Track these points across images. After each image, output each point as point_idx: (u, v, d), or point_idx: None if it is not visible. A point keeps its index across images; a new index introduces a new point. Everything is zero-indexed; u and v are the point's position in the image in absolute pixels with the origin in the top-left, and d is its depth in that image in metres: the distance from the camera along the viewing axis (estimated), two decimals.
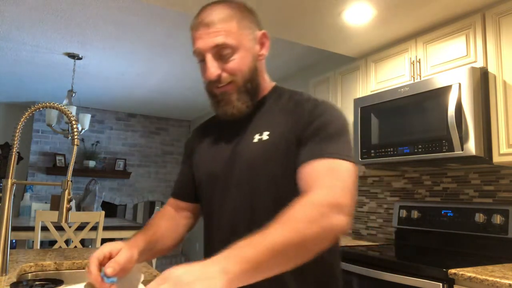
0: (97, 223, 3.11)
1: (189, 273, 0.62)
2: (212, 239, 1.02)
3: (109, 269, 0.78)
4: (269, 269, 0.70)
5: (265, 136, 0.95)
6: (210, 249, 1.02)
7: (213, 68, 0.93)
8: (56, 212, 2.86)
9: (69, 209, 1.11)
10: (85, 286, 0.80)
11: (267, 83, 1.07)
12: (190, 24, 0.98)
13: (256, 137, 0.96)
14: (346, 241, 2.72)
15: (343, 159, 0.85)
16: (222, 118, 0.99)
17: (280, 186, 0.93)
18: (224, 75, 0.94)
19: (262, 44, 1.01)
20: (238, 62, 0.94)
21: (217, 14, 0.93)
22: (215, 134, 1.07)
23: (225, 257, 0.65)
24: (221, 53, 0.93)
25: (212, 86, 0.96)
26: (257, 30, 1.00)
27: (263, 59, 1.03)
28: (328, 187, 0.80)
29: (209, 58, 0.93)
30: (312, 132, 0.90)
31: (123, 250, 0.84)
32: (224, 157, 1.00)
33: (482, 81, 1.98)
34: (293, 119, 0.95)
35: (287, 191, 0.91)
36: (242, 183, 0.95)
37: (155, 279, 0.63)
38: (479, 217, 2.10)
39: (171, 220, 1.08)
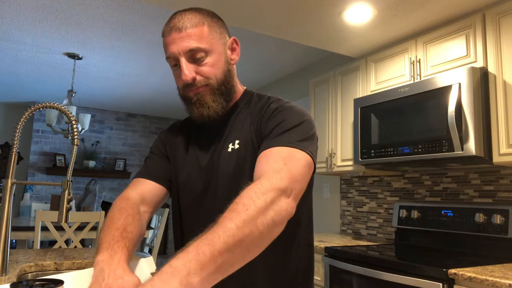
0: (97, 223, 3.11)
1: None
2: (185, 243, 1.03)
3: None
4: (231, 265, 0.69)
5: (236, 145, 0.98)
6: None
7: (188, 71, 0.94)
8: (56, 212, 2.87)
9: (69, 209, 1.10)
10: None
11: (239, 87, 1.08)
12: (162, 30, 0.99)
13: (230, 147, 0.98)
14: (346, 241, 2.73)
15: (294, 147, 0.87)
16: (199, 121, 1.00)
17: None
18: (199, 78, 0.95)
19: (233, 50, 1.03)
20: (212, 65, 0.96)
21: (188, 19, 0.94)
22: (192, 138, 1.08)
23: (183, 265, 0.64)
24: (195, 56, 0.94)
25: (186, 89, 0.97)
26: (227, 36, 1.02)
27: (235, 64, 1.05)
28: (275, 172, 0.81)
29: (184, 61, 0.94)
30: (270, 129, 0.93)
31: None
32: (202, 165, 1.01)
33: (482, 81, 1.98)
34: (257, 123, 0.98)
35: None
36: (218, 193, 0.98)
37: None
38: (479, 217, 2.10)
39: (136, 222, 0.94)
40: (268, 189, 0.77)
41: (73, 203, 3.93)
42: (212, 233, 0.69)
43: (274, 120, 0.95)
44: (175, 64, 0.97)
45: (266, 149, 0.88)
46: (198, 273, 0.64)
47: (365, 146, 2.46)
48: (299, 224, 1.01)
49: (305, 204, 1.02)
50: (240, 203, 0.74)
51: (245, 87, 1.11)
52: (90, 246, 4.26)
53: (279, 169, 0.82)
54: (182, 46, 0.93)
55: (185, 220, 1.05)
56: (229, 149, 0.98)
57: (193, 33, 0.93)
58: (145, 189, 1.04)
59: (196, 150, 1.05)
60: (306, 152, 0.88)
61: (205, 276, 0.64)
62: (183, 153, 1.07)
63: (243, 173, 0.95)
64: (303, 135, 0.91)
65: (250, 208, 0.73)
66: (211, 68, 0.96)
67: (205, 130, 1.05)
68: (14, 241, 3.80)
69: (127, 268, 0.77)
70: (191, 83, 0.95)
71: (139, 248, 1.07)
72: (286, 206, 0.78)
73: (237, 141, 0.98)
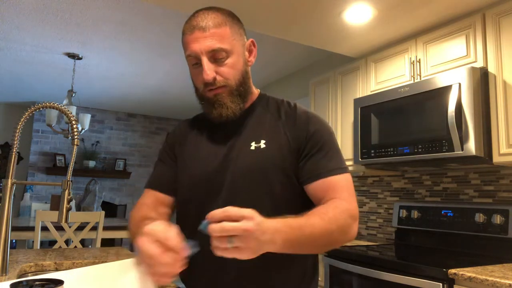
0: (97, 223, 3.11)
1: (258, 228, 0.72)
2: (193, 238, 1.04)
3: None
4: (299, 250, 0.85)
5: (262, 144, 0.99)
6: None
7: (210, 70, 0.95)
8: (56, 212, 2.87)
9: (69, 209, 1.11)
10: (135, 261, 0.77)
11: (253, 89, 1.10)
12: (183, 28, 0.99)
13: (253, 145, 0.99)
14: None
15: (347, 172, 1.00)
16: (216, 121, 1.01)
17: (274, 195, 0.97)
18: (219, 78, 0.97)
19: (250, 51, 1.05)
20: (232, 66, 0.97)
21: (211, 19, 0.96)
22: (205, 134, 1.08)
23: (277, 229, 0.77)
24: (216, 57, 0.95)
25: (205, 89, 0.99)
26: (245, 38, 1.04)
27: (251, 65, 1.06)
28: (347, 201, 0.94)
29: (205, 61, 0.95)
30: (312, 147, 0.99)
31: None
32: (216, 160, 1.01)
33: (482, 81, 1.98)
34: (289, 130, 1.01)
35: (280, 200, 0.97)
36: (235, 189, 0.97)
37: (239, 210, 0.73)
38: (479, 217, 2.10)
39: (157, 215, 1.03)
40: (347, 214, 0.91)
41: (73, 203, 3.93)
42: (302, 221, 0.83)
43: (314, 138, 1.00)
44: (196, 63, 0.98)
45: (326, 176, 0.97)
46: (282, 241, 0.78)
47: (365, 146, 2.46)
48: None
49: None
50: (326, 211, 0.89)
51: (259, 90, 1.13)
52: (90, 246, 4.26)
53: (349, 200, 0.95)
54: (205, 46, 0.94)
55: (194, 217, 1.03)
56: (252, 147, 0.99)
57: (216, 33, 0.94)
58: (157, 198, 1.09)
59: (211, 148, 1.04)
60: (348, 172, 1.01)
61: (284, 246, 0.78)
62: (195, 151, 1.07)
63: (268, 173, 0.97)
64: (341, 154, 1.03)
65: (333, 222, 0.87)
66: (231, 69, 0.97)
67: (220, 128, 1.05)
68: (14, 241, 3.80)
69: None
70: (211, 82, 0.96)
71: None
72: (356, 230, 0.93)
73: (263, 141, 1.00)
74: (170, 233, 0.73)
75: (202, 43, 0.94)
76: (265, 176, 0.96)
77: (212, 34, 0.94)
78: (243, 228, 0.70)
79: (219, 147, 1.03)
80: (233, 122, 1.02)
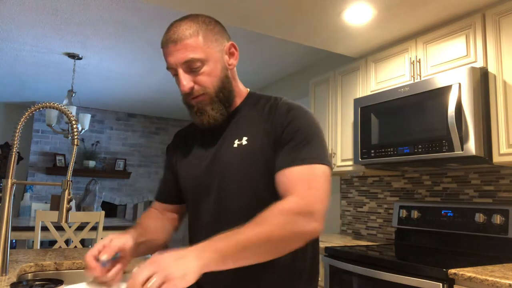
0: (97, 223, 3.11)
1: (169, 257, 0.73)
2: (195, 238, 1.07)
3: (104, 256, 0.88)
4: (237, 260, 0.80)
5: (244, 141, 1.00)
6: None
7: (185, 81, 0.97)
8: (56, 212, 2.87)
9: (69, 209, 1.11)
10: (88, 283, 0.88)
11: (241, 89, 1.11)
12: (161, 41, 1.01)
13: (236, 142, 1.01)
14: (346, 241, 2.72)
15: (317, 163, 0.92)
16: (201, 127, 1.04)
17: (258, 188, 0.98)
18: (196, 87, 0.98)
19: (231, 54, 1.05)
20: (209, 73, 0.98)
21: (183, 30, 0.96)
22: (196, 139, 1.12)
23: (201, 246, 0.77)
24: (192, 67, 0.97)
25: (187, 98, 1.01)
26: (225, 41, 1.04)
27: (233, 68, 1.07)
28: (302, 196, 0.88)
29: (181, 72, 0.97)
30: (286, 136, 0.96)
31: (114, 239, 0.92)
32: (205, 162, 1.05)
33: (482, 81, 1.98)
34: (269, 122, 1.00)
35: (264, 192, 0.97)
36: (223, 188, 1.00)
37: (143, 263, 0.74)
38: (479, 217, 2.10)
39: (157, 219, 1.15)
40: (292, 212, 0.85)
41: (73, 203, 3.93)
42: (230, 233, 0.80)
43: (290, 127, 0.97)
44: (175, 74, 1.00)
45: (288, 164, 0.92)
46: (210, 253, 0.76)
47: (365, 146, 2.46)
48: None
49: None
50: (262, 216, 0.84)
51: (248, 89, 1.13)
52: (90, 246, 4.26)
53: (306, 194, 0.88)
54: (178, 58, 0.96)
55: (193, 216, 1.09)
56: (235, 145, 1.01)
57: (188, 45, 0.96)
58: (163, 206, 1.19)
59: (200, 151, 1.09)
60: (324, 164, 0.93)
61: (214, 257, 0.76)
62: (187, 157, 1.11)
63: (250, 168, 0.98)
64: (318, 145, 0.96)
65: (270, 223, 0.83)
66: (208, 76, 0.98)
67: (208, 131, 1.08)
68: (14, 241, 3.80)
69: (120, 234, 0.94)
70: (189, 92, 0.98)
71: None
72: (311, 228, 0.86)
73: (244, 138, 1.01)
74: (90, 257, 0.89)
75: (176, 56, 0.96)
76: (248, 172, 0.98)
77: (184, 46, 0.95)
78: (151, 268, 0.71)
79: (207, 149, 1.06)
80: (220, 124, 1.04)
